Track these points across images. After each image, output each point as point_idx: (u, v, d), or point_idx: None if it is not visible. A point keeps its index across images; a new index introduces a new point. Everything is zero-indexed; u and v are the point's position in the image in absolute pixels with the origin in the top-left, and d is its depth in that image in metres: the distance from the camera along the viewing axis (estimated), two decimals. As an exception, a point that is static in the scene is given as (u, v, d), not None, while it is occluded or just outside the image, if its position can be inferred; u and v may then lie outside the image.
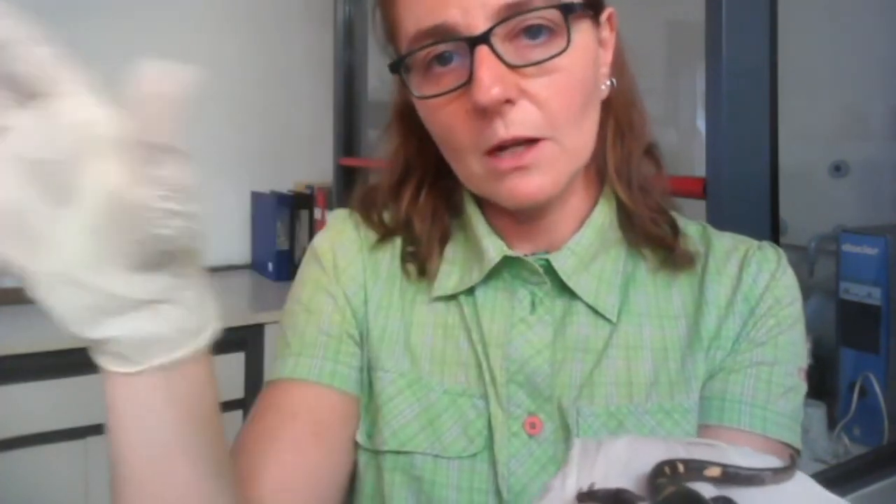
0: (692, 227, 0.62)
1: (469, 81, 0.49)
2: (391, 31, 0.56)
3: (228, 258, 2.36)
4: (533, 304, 0.58)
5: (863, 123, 1.44)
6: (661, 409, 0.55)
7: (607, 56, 0.57)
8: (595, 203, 0.60)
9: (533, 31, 0.50)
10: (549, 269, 0.57)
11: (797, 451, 0.56)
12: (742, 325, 0.57)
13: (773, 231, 0.94)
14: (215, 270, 2.29)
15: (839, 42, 1.40)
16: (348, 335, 0.60)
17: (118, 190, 0.34)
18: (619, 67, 0.59)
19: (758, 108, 0.93)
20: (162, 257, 0.37)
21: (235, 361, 1.81)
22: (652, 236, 0.59)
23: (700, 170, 0.95)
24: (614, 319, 0.57)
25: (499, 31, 0.49)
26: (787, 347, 0.57)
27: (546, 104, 0.50)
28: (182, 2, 2.23)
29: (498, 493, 0.54)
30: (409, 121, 0.60)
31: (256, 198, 2.38)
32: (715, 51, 0.90)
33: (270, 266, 2.25)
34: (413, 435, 0.57)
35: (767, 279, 0.57)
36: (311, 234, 2.25)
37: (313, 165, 2.35)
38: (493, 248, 0.58)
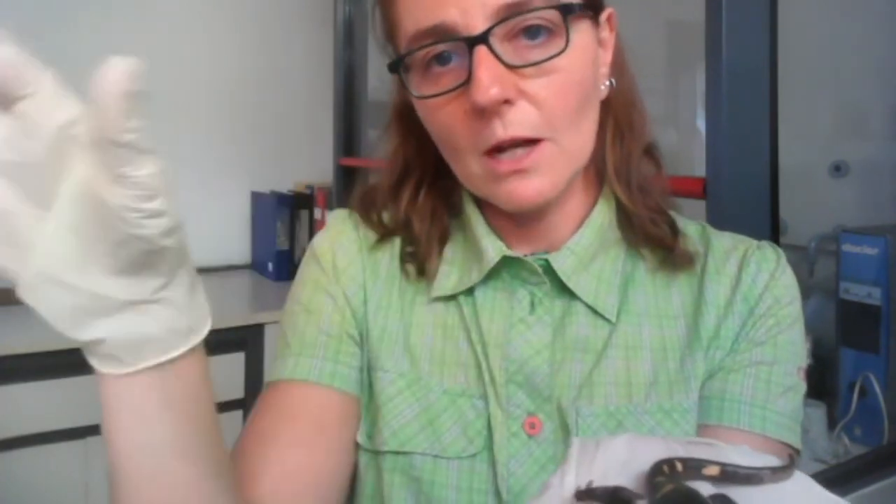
0: (691, 226, 0.62)
1: (468, 81, 0.49)
2: (390, 31, 0.56)
3: (228, 258, 2.36)
4: (532, 305, 0.58)
5: (862, 123, 1.43)
6: (660, 409, 0.55)
7: (607, 56, 0.57)
8: (594, 203, 0.60)
9: (532, 32, 0.50)
10: (549, 270, 0.57)
11: (797, 451, 0.56)
12: (741, 325, 0.57)
13: (772, 231, 0.94)
14: (215, 270, 2.29)
15: (839, 42, 1.40)
16: (348, 335, 0.60)
17: (95, 191, 0.34)
18: (618, 67, 0.59)
19: (758, 108, 0.93)
20: (147, 258, 0.36)
21: (235, 361, 1.81)
22: (651, 236, 0.59)
23: (700, 170, 0.95)
24: (613, 319, 0.57)
25: (498, 31, 0.49)
26: (787, 347, 0.57)
27: (545, 105, 0.50)
28: (182, 2, 2.23)
29: (497, 493, 0.54)
30: (408, 121, 0.60)
31: (256, 198, 2.38)
32: (715, 51, 0.90)
33: (270, 266, 2.25)
34: (413, 435, 0.57)
35: (767, 279, 0.57)
36: (311, 234, 2.25)
37: (313, 165, 2.35)
38: (493, 248, 0.58)
